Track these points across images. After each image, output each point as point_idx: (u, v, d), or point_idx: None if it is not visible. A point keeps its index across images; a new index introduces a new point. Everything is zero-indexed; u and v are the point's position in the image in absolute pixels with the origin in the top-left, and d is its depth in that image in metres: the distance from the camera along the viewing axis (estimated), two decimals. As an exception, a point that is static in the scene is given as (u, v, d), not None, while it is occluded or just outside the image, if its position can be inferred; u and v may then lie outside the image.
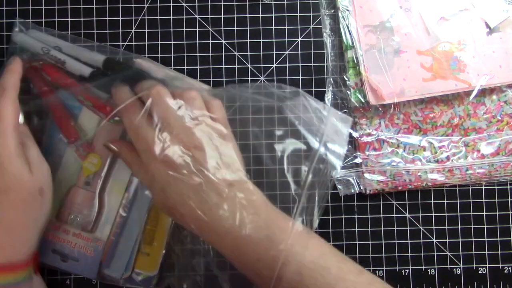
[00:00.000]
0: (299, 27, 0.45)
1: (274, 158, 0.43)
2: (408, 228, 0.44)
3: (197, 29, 0.44)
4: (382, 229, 0.44)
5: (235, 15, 0.45)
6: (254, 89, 0.43)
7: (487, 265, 0.44)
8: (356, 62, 0.43)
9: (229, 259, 0.35)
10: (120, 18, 0.44)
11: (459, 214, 0.45)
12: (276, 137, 0.43)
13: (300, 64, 0.45)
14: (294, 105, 0.42)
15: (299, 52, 0.45)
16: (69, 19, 0.44)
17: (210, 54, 0.44)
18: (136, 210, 0.41)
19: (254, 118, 0.43)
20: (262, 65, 0.44)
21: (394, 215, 0.44)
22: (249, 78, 0.44)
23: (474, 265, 0.44)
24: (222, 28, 0.45)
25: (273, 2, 0.45)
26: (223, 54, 0.44)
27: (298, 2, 0.45)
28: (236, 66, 0.44)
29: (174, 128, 0.35)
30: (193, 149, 0.35)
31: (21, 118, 0.38)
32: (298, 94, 0.41)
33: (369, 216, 0.44)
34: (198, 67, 0.44)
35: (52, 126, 0.42)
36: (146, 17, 0.44)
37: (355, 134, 0.44)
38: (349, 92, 0.44)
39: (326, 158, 0.41)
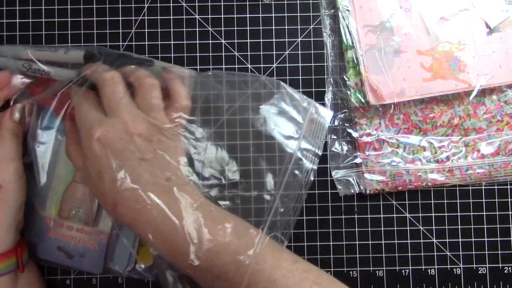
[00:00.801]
0: (299, 27, 0.45)
1: (258, 159, 0.43)
2: (408, 228, 0.44)
3: (197, 29, 0.44)
4: (382, 229, 0.44)
5: (235, 15, 0.45)
6: (227, 76, 0.42)
7: (487, 265, 0.44)
8: (356, 62, 0.43)
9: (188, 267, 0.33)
10: (120, 18, 0.44)
11: (459, 214, 0.45)
12: (252, 137, 0.43)
13: (300, 64, 0.45)
14: (275, 104, 0.42)
15: (299, 52, 0.45)
16: (69, 19, 0.44)
17: (210, 54, 0.44)
18: None
19: (254, 118, 0.43)
20: (262, 65, 0.44)
21: (394, 215, 0.44)
22: (249, 79, 0.44)
23: (474, 265, 0.44)
24: (222, 28, 0.45)
25: (273, 2, 0.45)
26: (223, 54, 0.44)
27: (298, 2, 0.45)
28: (236, 66, 0.44)
29: (121, 113, 0.34)
30: (136, 136, 0.34)
31: (17, 115, 0.39)
32: (278, 85, 0.41)
33: (369, 216, 0.44)
34: (198, 67, 0.44)
35: (41, 125, 0.42)
36: (146, 17, 0.44)
37: (355, 134, 0.44)
38: (349, 92, 0.44)
39: (301, 163, 0.41)
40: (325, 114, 0.42)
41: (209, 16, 0.45)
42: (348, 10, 0.44)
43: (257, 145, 0.43)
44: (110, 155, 0.33)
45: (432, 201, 0.45)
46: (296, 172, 0.41)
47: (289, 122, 0.41)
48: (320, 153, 0.41)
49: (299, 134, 0.41)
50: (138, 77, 0.37)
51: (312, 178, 0.41)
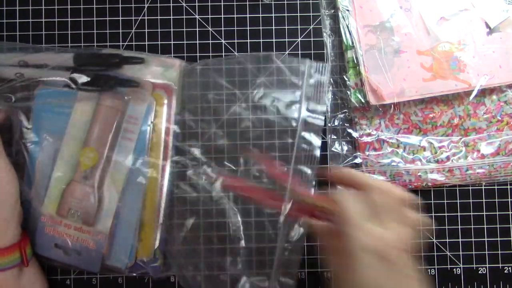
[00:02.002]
0: (299, 27, 0.45)
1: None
2: (408, 228, 0.44)
3: (197, 29, 0.44)
4: (382, 229, 0.44)
5: (235, 15, 0.45)
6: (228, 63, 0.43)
7: (487, 265, 0.44)
8: (356, 62, 0.43)
9: None
10: (120, 18, 0.44)
11: (459, 214, 0.45)
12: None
13: (300, 64, 0.45)
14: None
15: (299, 52, 0.45)
16: (69, 19, 0.44)
17: (210, 54, 0.44)
18: (130, 198, 0.41)
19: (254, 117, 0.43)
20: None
21: (394, 215, 0.44)
22: (249, 78, 0.44)
23: (474, 265, 0.44)
24: (222, 28, 0.45)
25: (273, 2, 0.45)
26: (223, 54, 0.44)
27: (298, 2, 0.45)
28: (236, 66, 0.44)
29: (394, 226, 0.34)
30: (403, 252, 0.33)
31: None
32: (271, 57, 0.43)
33: (369, 216, 0.44)
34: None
35: (36, 125, 0.42)
36: (146, 17, 0.44)
37: (355, 134, 0.44)
38: (349, 92, 0.44)
39: (308, 138, 0.42)
40: (323, 69, 0.43)
41: (209, 16, 0.45)
42: (348, 10, 0.44)
43: (269, 131, 0.43)
44: (383, 269, 0.32)
45: (432, 201, 0.45)
46: (304, 143, 0.42)
47: (290, 89, 0.43)
48: (324, 109, 0.42)
49: (300, 98, 0.42)
50: (384, 187, 0.35)
51: (319, 146, 0.42)
